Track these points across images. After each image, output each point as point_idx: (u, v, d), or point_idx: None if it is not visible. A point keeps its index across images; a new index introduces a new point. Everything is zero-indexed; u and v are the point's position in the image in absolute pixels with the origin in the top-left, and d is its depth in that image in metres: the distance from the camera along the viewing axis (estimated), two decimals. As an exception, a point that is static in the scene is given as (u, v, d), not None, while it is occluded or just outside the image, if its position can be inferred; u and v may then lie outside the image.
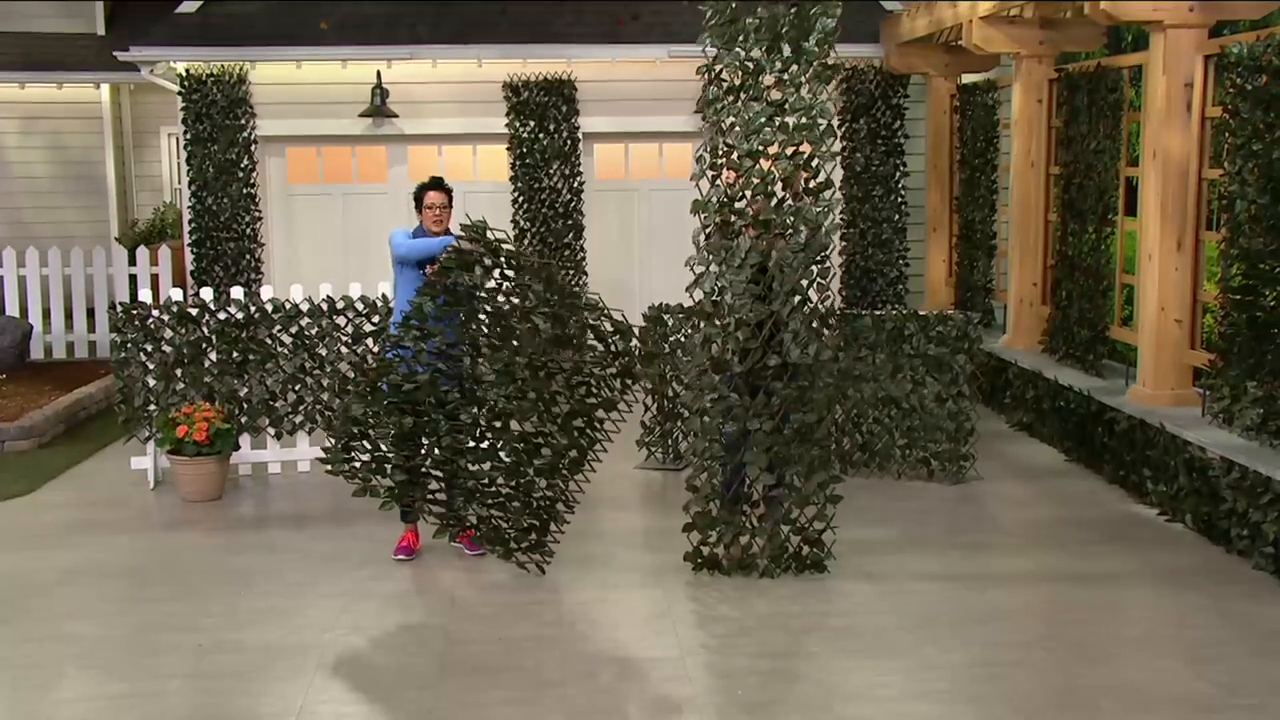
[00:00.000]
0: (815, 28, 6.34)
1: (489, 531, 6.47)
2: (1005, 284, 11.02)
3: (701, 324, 6.41)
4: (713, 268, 6.37)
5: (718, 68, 6.43)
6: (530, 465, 6.35)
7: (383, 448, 6.35)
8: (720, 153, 6.43)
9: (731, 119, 6.40)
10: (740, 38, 6.36)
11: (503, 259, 6.37)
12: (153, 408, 8.14)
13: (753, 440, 6.31)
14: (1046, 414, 9.14)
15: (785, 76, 6.35)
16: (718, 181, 6.44)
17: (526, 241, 12.87)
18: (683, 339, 8.35)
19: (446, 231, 6.79)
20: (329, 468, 6.37)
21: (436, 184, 6.93)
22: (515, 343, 6.35)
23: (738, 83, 6.39)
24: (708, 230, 6.44)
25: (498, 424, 6.44)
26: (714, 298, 6.36)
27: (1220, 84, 7.54)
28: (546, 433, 6.35)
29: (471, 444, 6.45)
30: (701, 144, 6.49)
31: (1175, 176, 7.79)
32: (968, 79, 12.05)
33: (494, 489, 6.46)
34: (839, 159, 6.21)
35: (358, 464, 6.36)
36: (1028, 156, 10.12)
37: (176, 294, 8.43)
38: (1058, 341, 9.70)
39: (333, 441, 6.40)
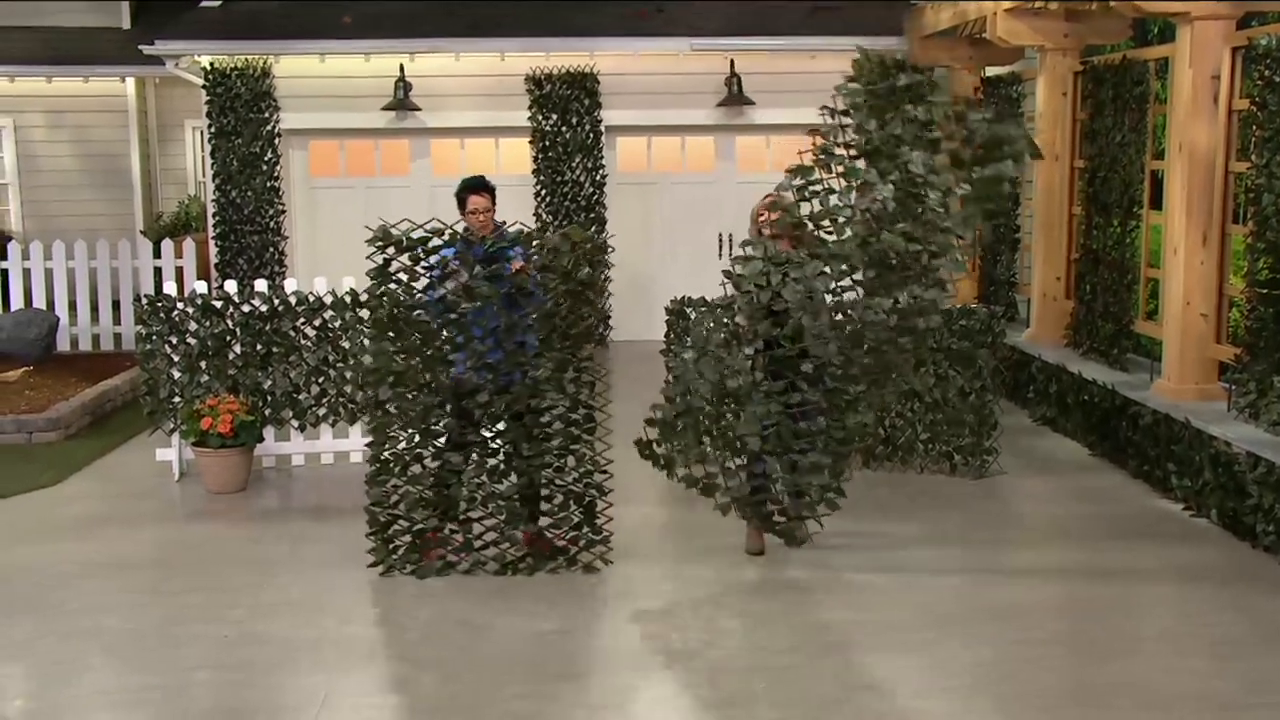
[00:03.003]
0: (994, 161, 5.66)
1: (543, 549, 6.36)
2: (1029, 278, 10.97)
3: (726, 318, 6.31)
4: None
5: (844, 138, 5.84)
6: (552, 452, 6.30)
7: (416, 518, 6.30)
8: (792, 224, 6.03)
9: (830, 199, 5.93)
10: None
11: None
12: (177, 400, 8.18)
13: (752, 404, 6.19)
14: (1070, 408, 9.10)
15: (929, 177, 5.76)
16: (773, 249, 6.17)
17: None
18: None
19: (495, 229, 6.53)
20: (381, 571, 6.29)
21: (479, 185, 6.53)
22: (476, 332, 6.15)
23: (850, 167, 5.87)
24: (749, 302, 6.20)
25: (503, 426, 6.33)
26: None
27: (1248, 76, 7.48)
28: (549, 407, 6.26)
29: (493, 462, 6.38)
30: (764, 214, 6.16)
31: (1201, 170, 7.74)
32: (991, 72, 11.99)
33: (532, 494, 6.38)
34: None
35: (401, 549, 6.33)
36: (1052, 149, 10.06)
37: (201, 287, 8.48)
38: (1082, 335, 9.65)
39: (372, 542, 6.32)
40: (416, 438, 6.28)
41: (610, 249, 6.41)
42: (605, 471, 6.41)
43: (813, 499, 6.34)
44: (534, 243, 6.22)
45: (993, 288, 11.68)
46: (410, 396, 6.20)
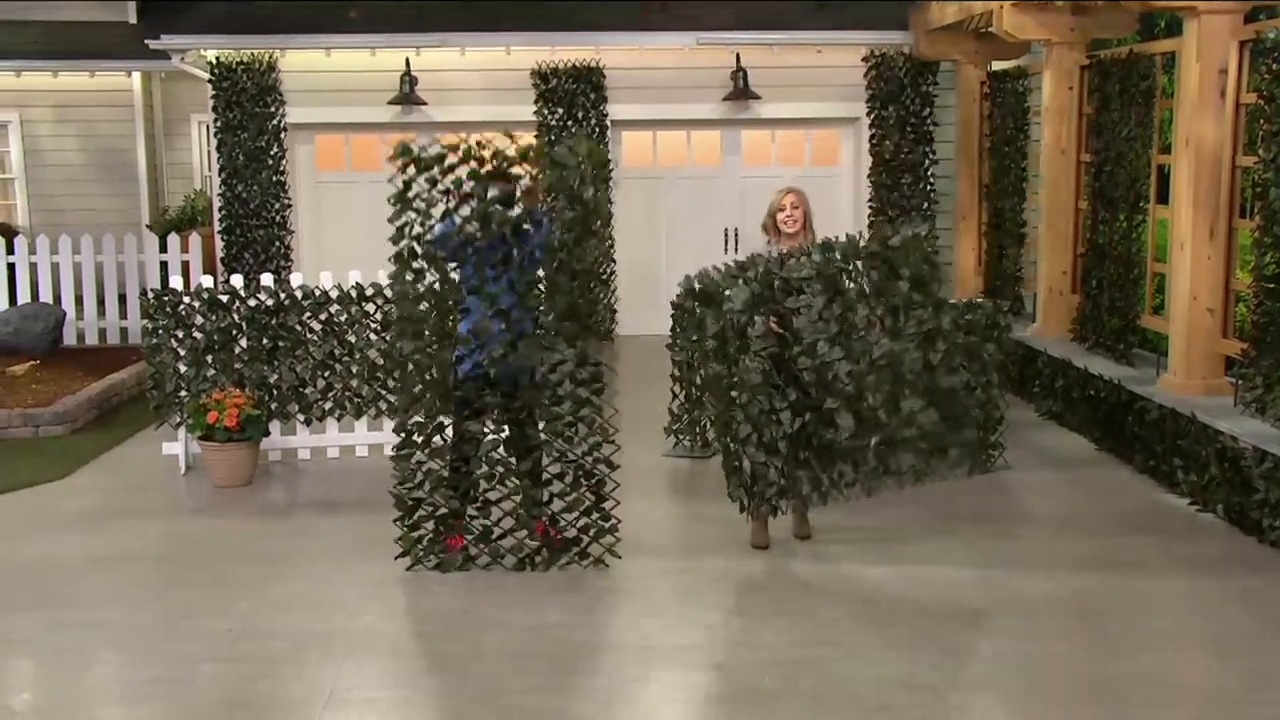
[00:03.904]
0: None
1: (555, 544, 6.34)
2: (1035, 272, 10.95)
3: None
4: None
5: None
6: (562, 419, 6.21)
7: (439, 500, 6.27)
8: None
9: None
10: None
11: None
12: (184, 394, 8.20)
13: (746, 364, 6.19)
14: (1076, 403, 9.09)
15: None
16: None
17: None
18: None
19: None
20: (408, 566, 6.26)
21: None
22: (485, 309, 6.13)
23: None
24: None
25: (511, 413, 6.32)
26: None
27: (1255, 70, 7.46)
28: (558, 381, 6.19)
29: (508, 432, 6.36)
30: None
31: (1208, 164, 7.72)
32: (998, 66, 11.97)
33: (546, 481, 6.35)
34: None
35: (428, 536, 6.30)
36: (1058, 144, 10.04)
37: (207, 281, 8.49)
38: (1088, 330, 9.64)
39: (400, 529, 6.29)
40: (437, 403, 6.25)
41: (613, 164, 6.40)
42: (612, 442, 6.33)
43: (757, 491, 6.33)
44: (542, 157, 6.18)
45: (999, 282, 11.66)
46: (431, 350, 6.17)
